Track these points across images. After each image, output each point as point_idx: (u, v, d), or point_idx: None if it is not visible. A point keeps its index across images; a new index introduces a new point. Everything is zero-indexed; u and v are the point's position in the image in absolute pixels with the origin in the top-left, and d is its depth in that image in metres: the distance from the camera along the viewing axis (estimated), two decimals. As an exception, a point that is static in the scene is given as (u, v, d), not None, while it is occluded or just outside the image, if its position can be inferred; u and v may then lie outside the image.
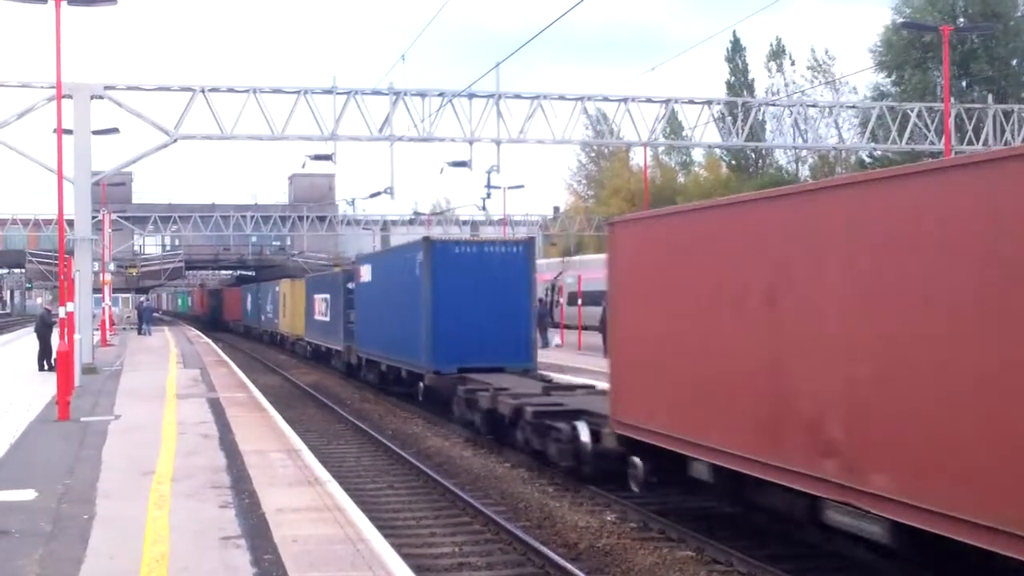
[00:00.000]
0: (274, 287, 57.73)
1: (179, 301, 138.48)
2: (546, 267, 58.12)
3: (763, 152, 77.63)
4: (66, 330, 23.06)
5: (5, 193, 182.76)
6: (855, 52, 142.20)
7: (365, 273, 32.39)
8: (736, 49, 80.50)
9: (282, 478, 13.75)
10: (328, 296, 39.36)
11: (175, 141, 33.78)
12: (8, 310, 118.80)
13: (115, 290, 64.77)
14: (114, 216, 59.18)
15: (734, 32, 79.21)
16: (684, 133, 55.69)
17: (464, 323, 24.20)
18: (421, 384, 25.17)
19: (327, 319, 39.59)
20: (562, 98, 36.95)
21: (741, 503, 12.56)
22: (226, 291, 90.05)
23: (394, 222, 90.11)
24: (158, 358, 37.91)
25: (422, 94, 35.70)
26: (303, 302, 46.24)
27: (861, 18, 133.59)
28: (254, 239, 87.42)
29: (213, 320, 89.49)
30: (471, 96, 35.71)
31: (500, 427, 19.95)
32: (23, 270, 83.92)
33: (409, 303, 25.85)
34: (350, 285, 35.02)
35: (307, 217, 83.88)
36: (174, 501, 12.21)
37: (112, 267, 51.41)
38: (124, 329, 63.92)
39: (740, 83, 79.05)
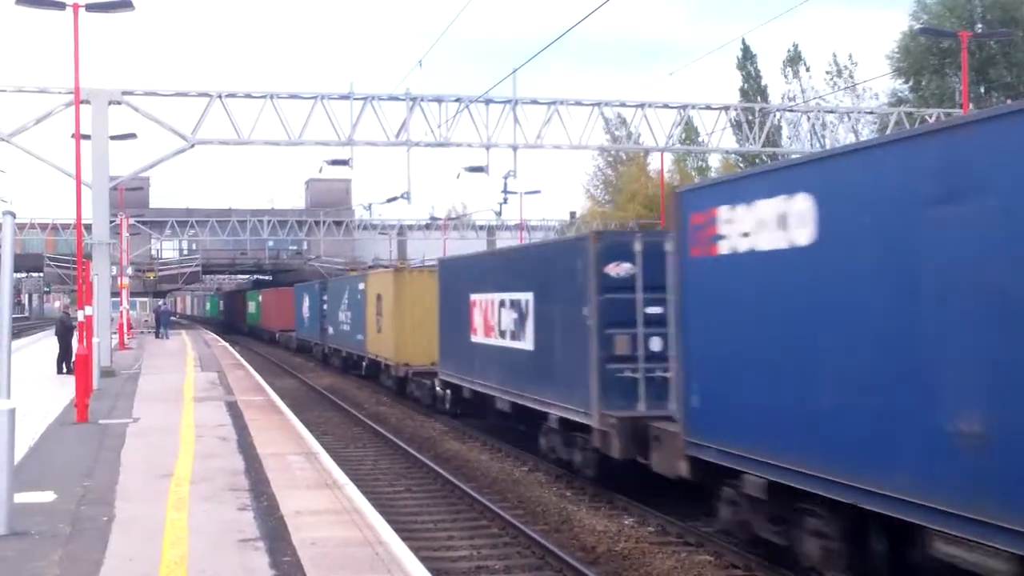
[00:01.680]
0: (356, 284, 37.02)
1: (208, 305, 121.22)
2: None
3: (779, 158, 77.41)
4: (84, 333, 23.17)
5: (23, 197, 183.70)
6: (871, 58, 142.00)
7: (770, 223, 10.82)
8: (747, 56, 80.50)
9: (300, 481, 13.76)
10: (527, 299, 18.81)
11: (192, 146, 33.91)
12: (26, 313, 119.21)
13: (133, 294, 65.02)
14: (132, 220, 59.43)
15: (743, 40, 79.27)
16: (700, 139, 55.73)
17: None
18: None
19: (549, 349, 17.98)
20: (579, 103, 36.97)
21: None
22: (269, 293, 69.92)
23: (410, 227, 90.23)
24: (176, 361, 38.00)
25: (439, 99, 35.75)
26: (433, 307, 25.90)
27: (877, 25, 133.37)
28: (271, 244, 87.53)
29: (245, 328, 78.37)
30: (488, 102, 35.76)
31: None
32: (41, 274, 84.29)
33: None
34: (611, 272, 15.59)
35: (324, 222, 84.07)
36: (193, 503, 12.23)
37: (130, 271, 51.63)
38: (142, 333, 64.11)
39: (753, 89, 79.00)
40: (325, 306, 44.73)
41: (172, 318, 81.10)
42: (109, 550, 10.21)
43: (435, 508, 15.89)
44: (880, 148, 10.02)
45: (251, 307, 77.34)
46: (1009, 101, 44.51)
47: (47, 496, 12.66)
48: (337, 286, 42.81)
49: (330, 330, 43.43)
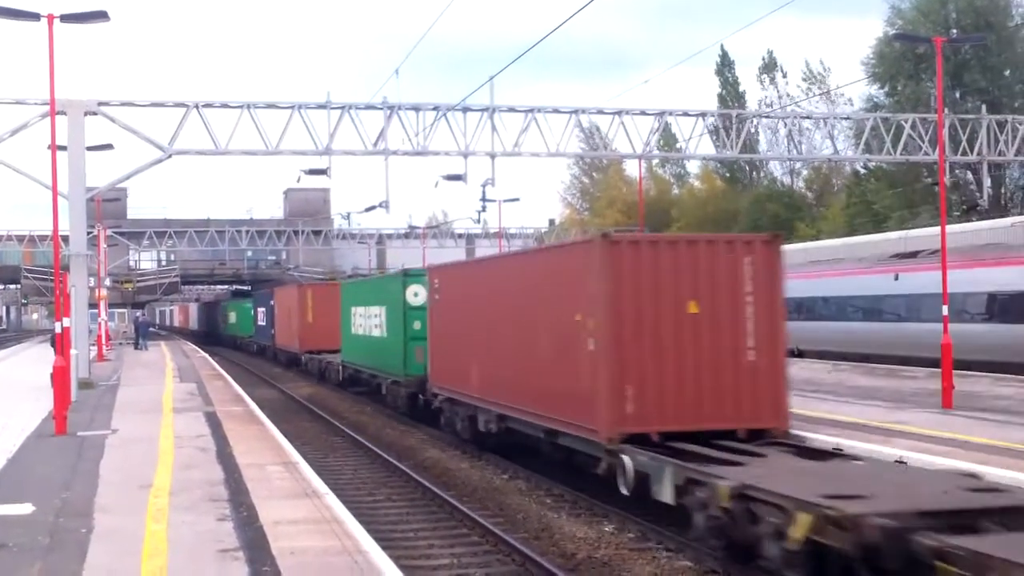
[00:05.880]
0: None
1: (238, 316, 71.47)
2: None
3: (757, 164, 77.86)
4: (61, 345, 23.06)
5: (0, 209, 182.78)
6: (846, 64, 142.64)
7: None
8: (725, 63, 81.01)
9: (279, 491, 13.74)
10: None
11: (169, 156, 33.82)
12: (4, 326, 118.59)
13: (111, 305, 64.67)
14: (109, 231, 59.22)
15: (722, 46, 79.69)
16: (678, 145, 55.91)
17: None
18: None
19: None
20: (556, 111, 37.04)
21: None
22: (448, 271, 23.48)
23: (389, 236, 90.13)
24: (154, 372, 37.86)
25: (416, 108, 35.76)
26: None
27: (851, 31, 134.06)
28: (249, 254, 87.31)
29: (334, 374, 36.58)
30: (465, 110, 35.80)
31: None
32: (18, 286, 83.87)
33: None
34: None
35: (302, 231, 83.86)
36: (172, 514, 12.20)
37: (108, 282, 51.41)
38: (120, 344, 63.80)
39: (731, 96, 79.46)
40: None
41: (151, 329, 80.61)
42: (88, 562, 10.19)
43: (415, 516, 15.88)
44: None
45: (358, 320, 32.74)
46: (984, 106, 44.82)
47: (25, 508, 12.62)
48: None
49: None
